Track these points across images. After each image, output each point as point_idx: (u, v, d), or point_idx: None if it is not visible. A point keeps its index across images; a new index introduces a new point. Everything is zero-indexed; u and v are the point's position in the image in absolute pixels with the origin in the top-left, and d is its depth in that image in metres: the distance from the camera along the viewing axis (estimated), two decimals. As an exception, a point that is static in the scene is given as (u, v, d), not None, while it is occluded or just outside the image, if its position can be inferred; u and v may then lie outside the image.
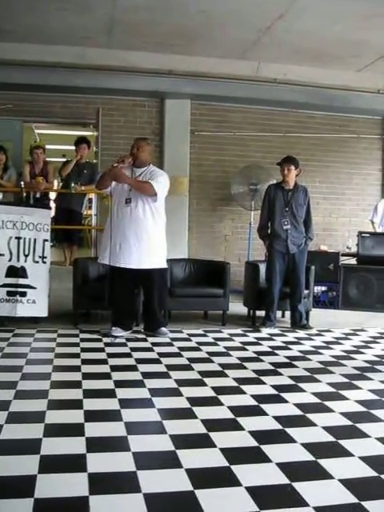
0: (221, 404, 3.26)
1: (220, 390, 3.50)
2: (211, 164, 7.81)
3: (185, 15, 5.71)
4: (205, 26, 5.99)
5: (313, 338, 5.22)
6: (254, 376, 3.87)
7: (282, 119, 7.97)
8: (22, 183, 6.67)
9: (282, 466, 2.43)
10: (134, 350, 4.51)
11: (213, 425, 2.90)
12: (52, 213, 6.24)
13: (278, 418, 3.03)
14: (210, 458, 2.50)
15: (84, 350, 4.43)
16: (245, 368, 4.09)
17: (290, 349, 4.78)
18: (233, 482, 2.28)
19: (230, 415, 3.08)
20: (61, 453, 2.49)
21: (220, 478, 2.33)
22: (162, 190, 4.85)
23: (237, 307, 6.12)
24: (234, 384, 3.67)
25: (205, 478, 2.33)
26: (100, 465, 2.39)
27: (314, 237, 5.76)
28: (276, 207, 5.54)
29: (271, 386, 3.64)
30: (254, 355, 4.50)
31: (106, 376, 3.74)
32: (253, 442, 2.70)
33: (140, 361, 4.15)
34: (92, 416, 2.96)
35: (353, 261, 7.15)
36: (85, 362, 4.05)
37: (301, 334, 5.41)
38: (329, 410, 3.20)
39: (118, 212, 4.88)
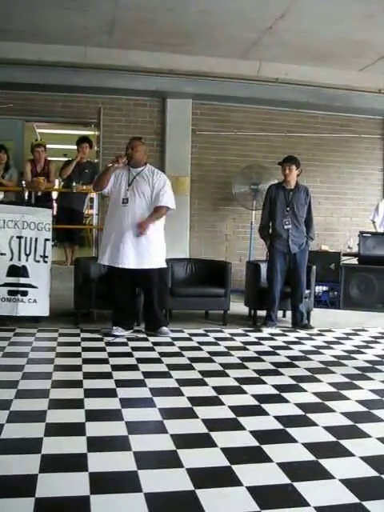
0: (222, 404, 3.26)
1: (221, 390, 3.50)
2: (212, 163, 7.81)
3: (186, 14, 5.71)
4: (206, 25, 5.99)
5: (314, 338, 5.22)
6: (255, 376, 3.87)
7: (284, 119, 7.96)
8: (24, 182, 6.69)
9: (283, 466, 2.43)
10: (134, 349, 4.51)
11: (214, 424, 2.90)
12: (54, 212, 6.24)
13: (278, 418, 3.02)
14: (210, 458, 2.50)
15: (85, 349, 4.43)
16: (246, 368, 4.09)
17: (291, 348, 4.78)
18: (234, 481, 2.28)
19: (230, 415, 3.08)
20: (62, 452, 2.50)
21: (221, 477, 2.33)
22: (172, 200, 4.96)
23: (238, 307, 6.13)
24: (235, 384, 3.67)
25: (206, 477, 2.33)
26: (101, 464, 2.39)
27: (315, 237, 5.76)
28: (277, 207, 5.53)
29: (272, 385, 3.64)
30: (255, 355, 4.51)
31: (107, 375, 3.74)
32: (254, 442, 2.70)
33: (141, 360, 4.15)
34: (93, 415, 2.96)
35: (354, 261, 7.14)
36: (86, 361, 4.06)
37: (302, 333, 5.41)
38: (330, 410, 3.20)
39: (115, 212, 4.89)
